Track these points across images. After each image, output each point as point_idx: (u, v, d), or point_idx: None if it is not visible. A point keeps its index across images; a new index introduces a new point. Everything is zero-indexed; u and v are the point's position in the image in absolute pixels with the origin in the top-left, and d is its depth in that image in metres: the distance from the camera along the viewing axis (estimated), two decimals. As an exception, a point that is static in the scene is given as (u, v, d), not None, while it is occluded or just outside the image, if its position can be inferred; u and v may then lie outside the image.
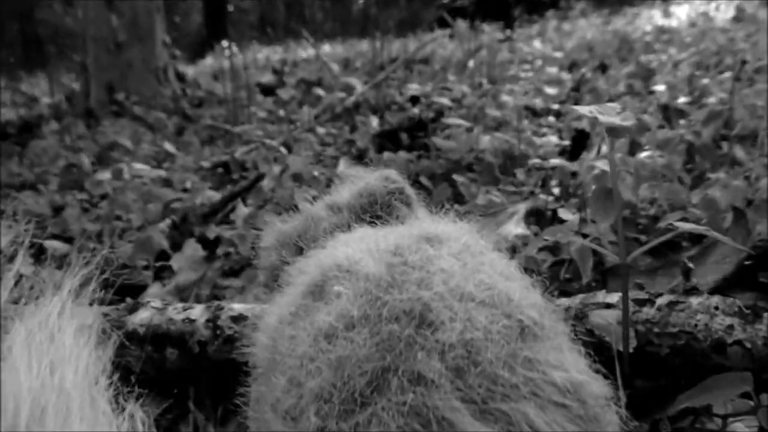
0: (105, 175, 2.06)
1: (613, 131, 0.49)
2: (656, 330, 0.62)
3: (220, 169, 2.12)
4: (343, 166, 2.10)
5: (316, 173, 1.84)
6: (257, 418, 0.46)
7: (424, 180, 1.68)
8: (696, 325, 0.61)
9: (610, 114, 0.49)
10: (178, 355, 0.85)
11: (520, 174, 1.67)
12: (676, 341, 0.61)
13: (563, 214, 1.14)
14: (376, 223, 0.59)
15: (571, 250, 1.05)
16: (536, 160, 1.76)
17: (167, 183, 1.91)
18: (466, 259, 0.46)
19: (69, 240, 1.56)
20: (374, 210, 0.60)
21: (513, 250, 1.15)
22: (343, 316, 0.42)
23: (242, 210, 1.56)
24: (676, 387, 0.61)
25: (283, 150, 2.00)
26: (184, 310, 0.88)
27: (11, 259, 0.55)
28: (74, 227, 1.52)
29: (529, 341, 0.40)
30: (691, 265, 0.92)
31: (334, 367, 0.39)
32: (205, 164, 2.11)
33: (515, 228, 1.19)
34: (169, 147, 2.51)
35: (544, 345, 0.40)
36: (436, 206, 1.58)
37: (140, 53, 3.70)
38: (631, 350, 0.60)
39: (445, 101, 2.17)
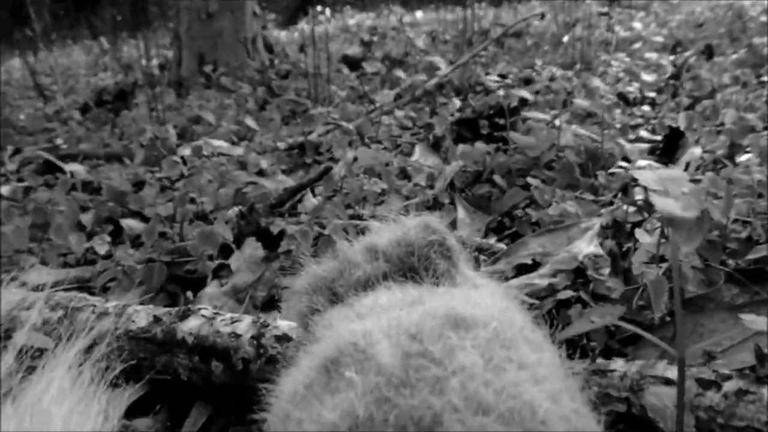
0: (186, 150, 2.10)
1: (673, 223, 0.42)
2: (720, 420, 0.55)
3: (295, 151, 2.12)
4: (418, 153, 2.05)
5: (388, 163, 1.80)
6: None
7: (497, 179, 1.61)
8: (767, 422, 0.54)
9: (673, 191, 0.42)
10: (222, 369, 0.85)
11: (603, 177, 1.57)
12: (742, 437, 0.54)
13: (640, 235, 1.06)
14: (413, 277, 0.55)
15: (645, 281, 0.97)
16: (621, 163, 1.66)
17: (244, 164, 1.92)
18: (492, 353, 0.41)
19: (147, 219, 1.60)
20: (411, 262, 0.56)
21: (581, 273, 1.08)
22: (348, 415, 0.38)
23: (310, 201, 1.54)
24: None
25: (358, 135, 1.97)
26: (232, 322, 0.87)
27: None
28: (149, 209, 1.55)
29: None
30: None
31: (333, 476, 0.36)
32: (281, 145, 2.11)
33: (587, 246, 1.12)
34: (250, 122, 2.53)
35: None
36: (508, 209, 1.50)
37: (230, 23, 3.74)
38: (688, 441, 0.54)
39: (526, 94, 2.07)
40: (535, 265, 1.15)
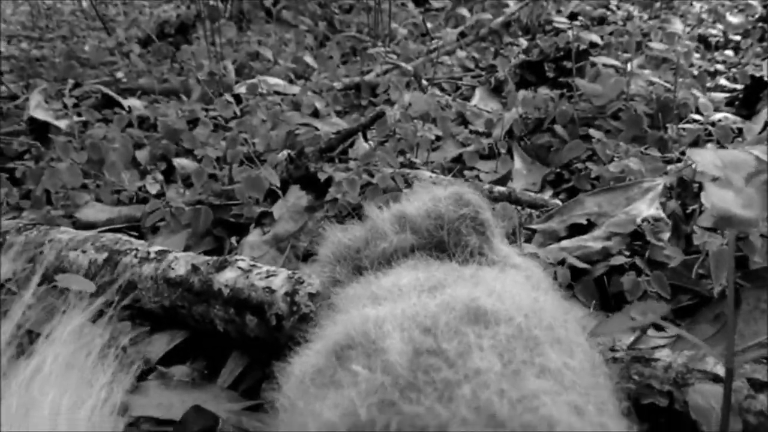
0: (242, 88, 2.08)
1: (729, 222, 0.36)
2: None
3: (351, 91, 2.06)
4: (478, 97, 1.97)
5: (444, 108, 1.74)
6: None
7: (558, 128, 1.53)
8: None
9: (735, 181, 0.36)
10: (256, 323, 0.83)
11: (673, 130, 1.47)
12: (796, 444, 0.49)
13: (706, 198, 0.98)
14: (441, 253, 0.51)
15: (708, 251, 0.91)
16: (695, 116, 1.54)
17: (298, 104, 1.89)
18: (513, 354, 0.37)
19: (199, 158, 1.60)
20: (440, 236, 0.52)
21: (639, 238, 1.01)
22: (349, 416, 0.35)
23: (362, 146, 1.50)
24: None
25: (415, 77, 1.90)
26: (267, 276, 0.86)
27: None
28: (200, 150, 1.55)
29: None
30: None
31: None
32: (338, 85, 2.06)
33: (647, 208, 1.05)
34: (309, 60, 2.48)
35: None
36: (567, 162, 1.43)
37: (293, -46, 3.64)
38: (733, 448, 0.49)
39: (596, 38, 1.94)
40: (589, 226, 1.09)
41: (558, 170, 1.44)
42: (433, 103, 1.55)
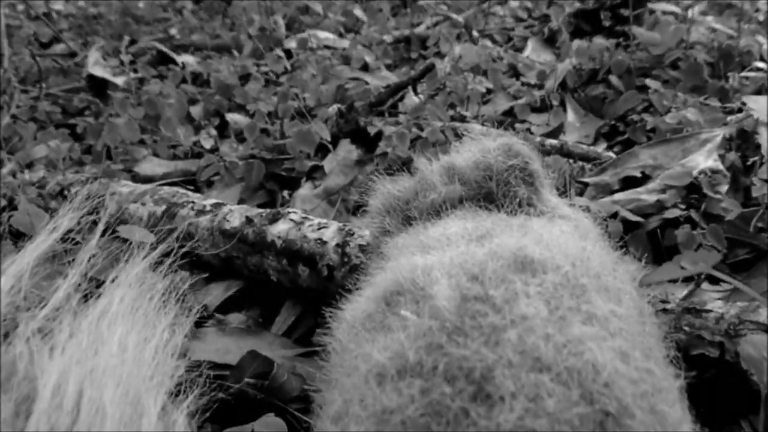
0: (292, 43, 2.09)
1: None
2: None
3: (401, 44, 2.05)
4: (530, 48, 1.93)
5: (496, 59, 1.71)
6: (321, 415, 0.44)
7: (613, 79, 1.49)
8: None
9: None
10: (308, 273, 0.86)
11: (735, 79, 1.41)
12: None
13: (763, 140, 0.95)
14: (490, 204, 0.52)
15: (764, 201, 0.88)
16: (759, 63, 1.48)
17: (348, 58, 1.89)
18: (559, 302, 0.38)
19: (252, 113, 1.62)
20: (489, 187, 0.52)
21: (695, 190, 0.99)
22: (398, 357, 0.37)
23: (411, 100, 1.50)
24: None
25: (465, 28, 1.87)
26: (319, 228, 0.87)
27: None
28: (251, 105, 1.57)
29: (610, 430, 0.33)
30: None
31: (377, 420, 0.35)
32: (387, 38, 2.05)
33: (705, 160, 1.02)
34: (358, 13, 2.46)
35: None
36: (622, 114, 1.40)
37: None
38: (782, 399, 0.48)
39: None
40: (644, 179, 1.07)
41: (612, 122, 1.40)
42: (484, 54, 1.53)
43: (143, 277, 0.52)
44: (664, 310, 0.57)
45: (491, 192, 0.52)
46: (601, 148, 1.25)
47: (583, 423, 0.33)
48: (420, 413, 0.34)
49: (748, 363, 0.50)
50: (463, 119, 1.39)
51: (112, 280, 0.49)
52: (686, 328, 0.54)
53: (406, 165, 1.22)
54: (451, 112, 1.41)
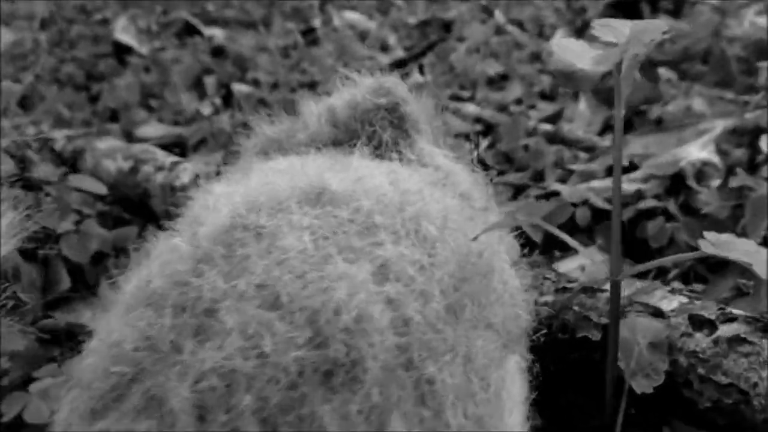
0: (316, 21, 2.06)
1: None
2: (700, 371, 0.41)
3: (426, 27, 1.99)
4: (557, 38, 1.84)
5: (518, 46, 1.63)
6: None
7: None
8: (756, 385, 0.39)
9: None
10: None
11: (763, 75, 1.30)
12: (723, 398, 0.40)
13: (764, 143, 0.86)
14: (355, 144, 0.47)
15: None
16: (792, 59, 1.35)
17: (365, 38, 1.84)
18: (337, 238, 0.32)
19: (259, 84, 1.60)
20: (355, 127, 0.47)
21: (681, 182, 0.90)
22: (143, 287, 0.32)
23: (415, 78, 1.44)
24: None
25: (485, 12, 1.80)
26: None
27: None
28: (262, 76, 1.54)
29: (338, 383, 0.28)
30: None
31: (105, 355, 0.31)
32: (411, 21, 1.99)
33: (698, 151, 0.93)
34: (394, -4, 2.42)
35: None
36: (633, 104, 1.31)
37: None
38: (651, 389, 0.41)
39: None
40: (632, 168, 0.98)
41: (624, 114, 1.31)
42: (490, 34, 1.46)
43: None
44: (564, 288, 0.50)
45: (357, 133, 0.46)
46: (595, 137, 1.17)
47: (304, 370, 0.27)
48: (133, 347, 0.29)
49: (621, 346, 0.43)
50: (459, 100, 1.32)
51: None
52: (576, 308, 0.48)
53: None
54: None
